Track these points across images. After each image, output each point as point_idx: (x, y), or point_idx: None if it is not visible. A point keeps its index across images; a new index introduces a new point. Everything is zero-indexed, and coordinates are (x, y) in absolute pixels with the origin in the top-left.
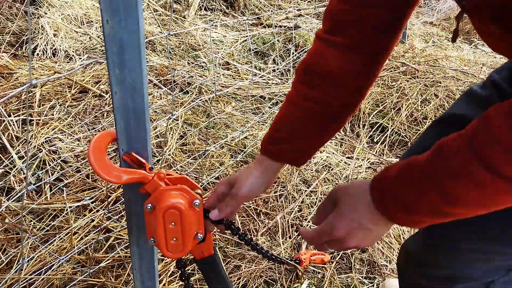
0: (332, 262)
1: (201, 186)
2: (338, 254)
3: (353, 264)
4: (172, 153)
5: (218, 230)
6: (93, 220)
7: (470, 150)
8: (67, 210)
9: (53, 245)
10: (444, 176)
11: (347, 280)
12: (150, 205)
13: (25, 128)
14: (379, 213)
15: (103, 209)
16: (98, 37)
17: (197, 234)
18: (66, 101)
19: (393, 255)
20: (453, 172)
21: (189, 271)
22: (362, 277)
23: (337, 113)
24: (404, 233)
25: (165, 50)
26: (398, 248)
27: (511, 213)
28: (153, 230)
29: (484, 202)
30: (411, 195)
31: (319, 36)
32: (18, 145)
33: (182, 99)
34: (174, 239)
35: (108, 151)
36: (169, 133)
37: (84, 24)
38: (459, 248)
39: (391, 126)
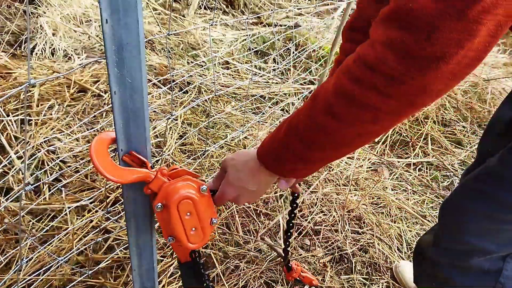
0: (333, 264)
1: None
2: (339, 255)
3: (354, 265)
4: (172, 153)
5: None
6: (92, 221)
7: (313, 100)
8: (66, 210)
9: (52, 246)
10: (300, 126)
11: (348, 282)
12: (160, 204)
13: (24, 128)
14: (262, 172)
15: (102, 210)
16: (97, 36)
17: (212, 219)
18: (65, 101)
19: (394, 256)
20: (304, 120)
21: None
22: (363, 278)
23: None
24: (406, 234)
25: (164, 49)
26: (398, 249)
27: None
28: (169, 227)
29: (331, 143)
30: (280, 147)
31: None
32: (17, 145)
33: (182, 98)
34: (193, 229)
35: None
36: (169, 133)
37: (83, 23)
38: (468, 221)
39: None
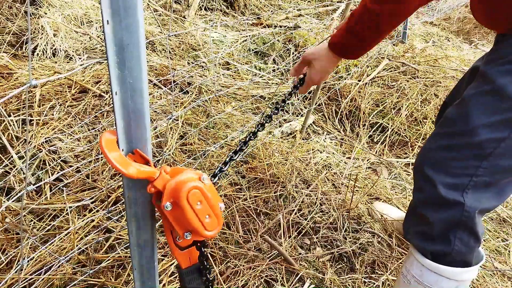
0: (333, 263)
1: None
2: (339, 254)
3: (354, 264)
4: (172, 153)
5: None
6: (93, 220)
7: (361, 3)
8: (67, 210)
9: (53, 245)
10: (358, 17)
11: (349, 281)
12: (168, 203)
13: (25, 128)
14: (334, 58)
15: (103, 209)
16: (98, 37)
17: (219, 205)
18: (66, 101)
19: (393, 253)
20: (360, 12)
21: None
22: (363, 277)
23: None
24: None
25: (165, 50)
26: (398, 248)
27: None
28: (184, 222)
29: (378, 20)
30: (344, 35)
31: None
32: (18, 145)
33: (182, 99)
34: (207, 216)
35: None
36: (169, 133)
37: (84, 24)
38: (431, 156)
39: (391, 126)
